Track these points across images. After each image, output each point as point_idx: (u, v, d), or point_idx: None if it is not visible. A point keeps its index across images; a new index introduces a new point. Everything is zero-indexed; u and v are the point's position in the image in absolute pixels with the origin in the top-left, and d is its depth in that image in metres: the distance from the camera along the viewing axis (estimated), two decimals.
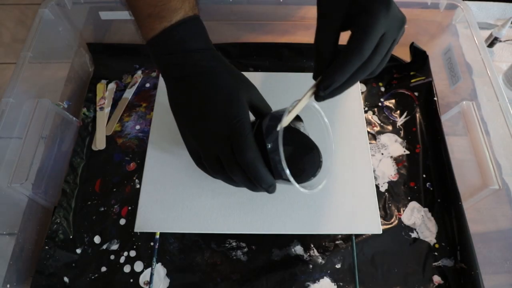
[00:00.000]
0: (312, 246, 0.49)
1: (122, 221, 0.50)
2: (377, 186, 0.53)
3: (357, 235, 0.49)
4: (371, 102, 0.61)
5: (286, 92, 0.56)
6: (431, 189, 0.54)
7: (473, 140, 0.51)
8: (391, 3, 0.34)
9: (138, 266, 0.47)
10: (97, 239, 0.49)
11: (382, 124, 0.59)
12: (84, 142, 0.56)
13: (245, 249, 0.48)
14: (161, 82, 0.58)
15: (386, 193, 0.53)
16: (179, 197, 0.48)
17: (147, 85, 0.61)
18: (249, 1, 0.63)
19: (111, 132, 0.57)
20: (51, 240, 0.48)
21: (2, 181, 0.46)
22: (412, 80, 0.62)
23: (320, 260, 0.48)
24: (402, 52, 0.64)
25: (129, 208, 0.51)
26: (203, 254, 0.48)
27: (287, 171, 0.35)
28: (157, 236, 0.48)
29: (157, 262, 0.47)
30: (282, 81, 0.58)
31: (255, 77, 0.58)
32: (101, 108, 0.59)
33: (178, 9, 0.39)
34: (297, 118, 0.43)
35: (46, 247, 0.48)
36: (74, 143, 0.56)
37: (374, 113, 0.60)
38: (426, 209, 0.52)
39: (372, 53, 0.34)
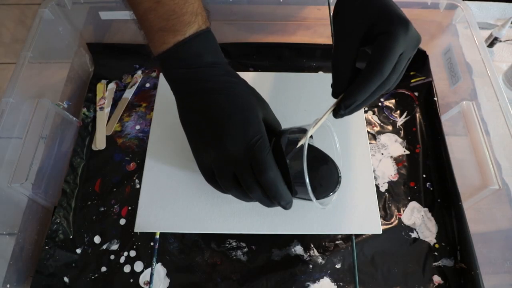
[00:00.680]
0: (312, 246, 0.49)
1: (122, 221, 0.50)
2: (377, 186, 0.53)
3: (357, 235, 0.49)
4: (371, 102, 0.61)
5: (286, 92, 0.56)
6: (431, 189, 0.54)
7: (473, 140, 0.51)
8: (409, 24, 0.34)
9: (138, 266, 0.47)
10: (97, 239, 0.49)
11: (382, 124, 0.59)
12: (84, 142, 0.56)
13: (245, 249, 0.48)
14: (161, 82, 0.58)
15: (386, 193, 0.53)
16: (179, 197, 0.48)
17: (147, 85, 0.61)
18: (249, 1, 0.63)
19: (111, 132, 0.57)
20: (51, 240, 0.48)
21: (2, 181, 0.46)
22: (412, 80, 0.62)
23: (320, 260, 0.48)
24: None
25: (129, 208, 0.51)
26: (203, 254, 0.48)
27: (309, 188, 0.35)
28: (157, 236, 0.48)
29: (157, 262, 0.47)
30: (282, 81, 0.58)
31: (255, 77, 0.58)
32: (101, 108, 0.59)
33: (192, 22, 0.38)
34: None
35: (46, 247, 0.48)
36: (74, 143, 0.55)
37: (374, 113, 0.60)
38: (426, 209, 0.52)
39: (391, 72, 0.34)
